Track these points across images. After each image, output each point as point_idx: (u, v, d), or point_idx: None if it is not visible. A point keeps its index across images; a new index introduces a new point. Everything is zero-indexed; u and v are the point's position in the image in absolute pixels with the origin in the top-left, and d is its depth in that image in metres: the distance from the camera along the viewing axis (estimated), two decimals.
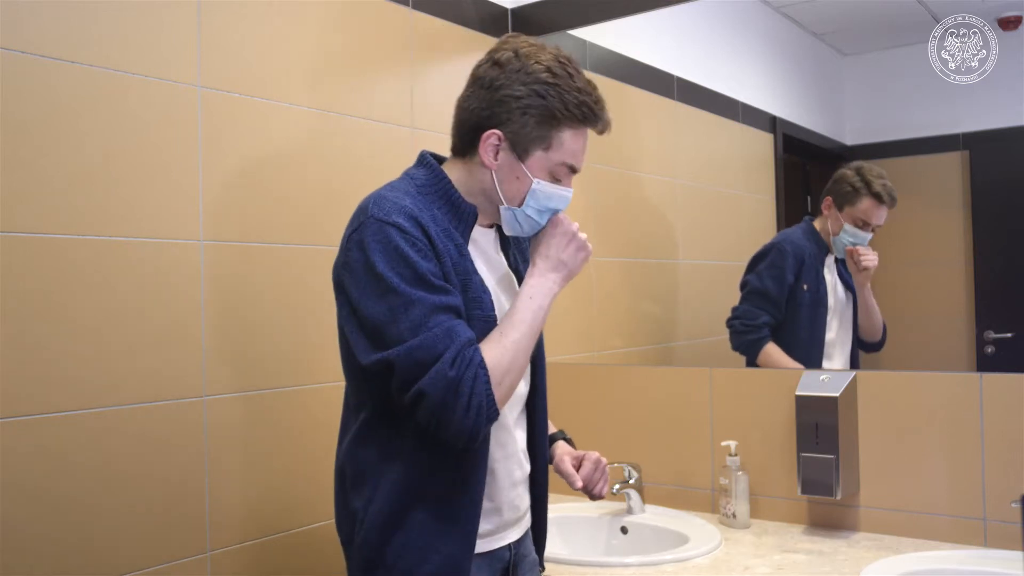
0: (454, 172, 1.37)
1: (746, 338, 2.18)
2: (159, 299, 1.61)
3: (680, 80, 2.45)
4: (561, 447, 1.56)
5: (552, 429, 1.59)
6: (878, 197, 2.06)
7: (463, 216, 1.35)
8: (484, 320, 1.29)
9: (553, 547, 1.58)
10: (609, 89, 2.50)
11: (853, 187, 2.09)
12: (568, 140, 1.33)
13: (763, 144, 2.33)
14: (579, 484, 1.44)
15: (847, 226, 2.10)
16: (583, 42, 2.48)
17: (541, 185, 1.33)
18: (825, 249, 2.16)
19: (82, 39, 1.50)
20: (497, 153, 1.33)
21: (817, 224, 2.18)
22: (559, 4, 2.41)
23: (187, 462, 1.64)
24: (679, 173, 2.58)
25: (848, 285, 2.16)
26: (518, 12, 2.47)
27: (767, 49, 2.39)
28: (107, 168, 1.54)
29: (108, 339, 1.53)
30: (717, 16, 2.40)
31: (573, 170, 1.36)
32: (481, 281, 1.32)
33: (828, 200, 2.14)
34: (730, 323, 2.23)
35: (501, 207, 1.35)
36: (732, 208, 2.45)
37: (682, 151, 2.56)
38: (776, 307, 2.15)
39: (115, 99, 1.55)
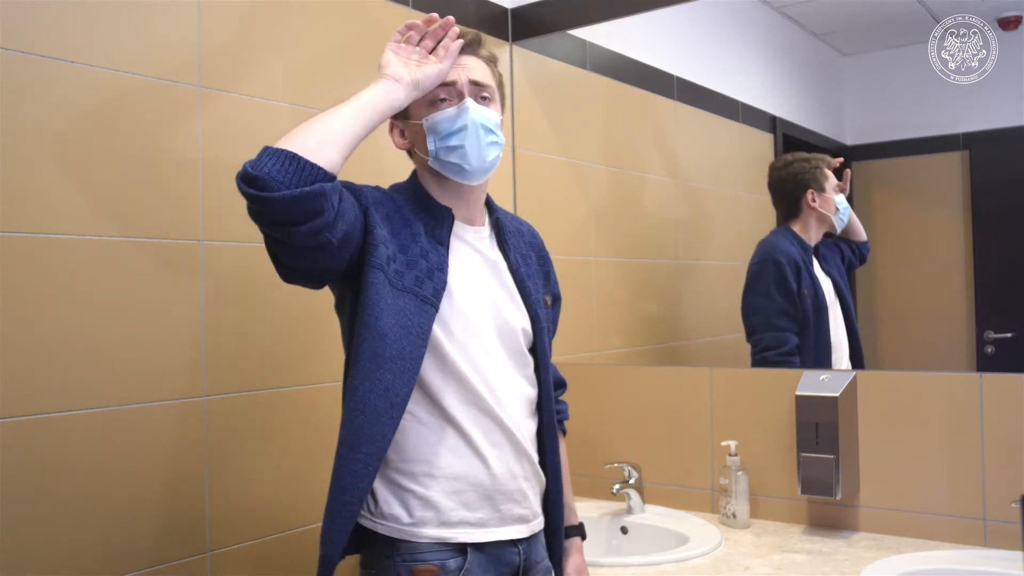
0: (422, 176, 1.45)
1: (782, 368, 2.15)
2: (159, 299, 1.61)
3: (680, 80, 2.45)
4: (576, 560, 1.56)
5: (573, 516, 1.58)
6: (831, 164, 2.16)
7: (439, 217, 1.40)
8: (421, 299, 1.31)
9: None
10: (609, 89, 2.52)
11: (813, 166, 2.16)
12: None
13: (763, 144, 2.33)
14: None
15: (836, 198, 2.14)
16: (583, 42, 2.48)
17: (429, 120, 1.38)
18: (810, 250, 2.16)
19: (82, 39, 1.50)
20: (402, 133, 1.44)
21: (795, 227, 2.18)
22: (559, 4, 2.41)
23: (187, 462, 1.64)
24: (679, 173, 2.58)
25: (835, 280, 2.16)
26: (518, 12, 2.47)
27: (767, 49, 2.39)
28: (107, 168, 1.54)
29: (108, 339, 1.53)
30: (717, 16, 2.40)
31: (449, 88, 1.38)
32: (432, 271, 1.33)
33: (810, 193, 2.15)
34: (763, 355, 2.17)
35: (430, 162, 1.39)
36: (732, 208, 2.45)
37: (682, 151, 2.56)
38: (795, 320, 2.13)
39: (115, 99, 1.55)
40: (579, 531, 1.58)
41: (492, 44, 2.42)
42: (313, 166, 1.18)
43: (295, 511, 1.82)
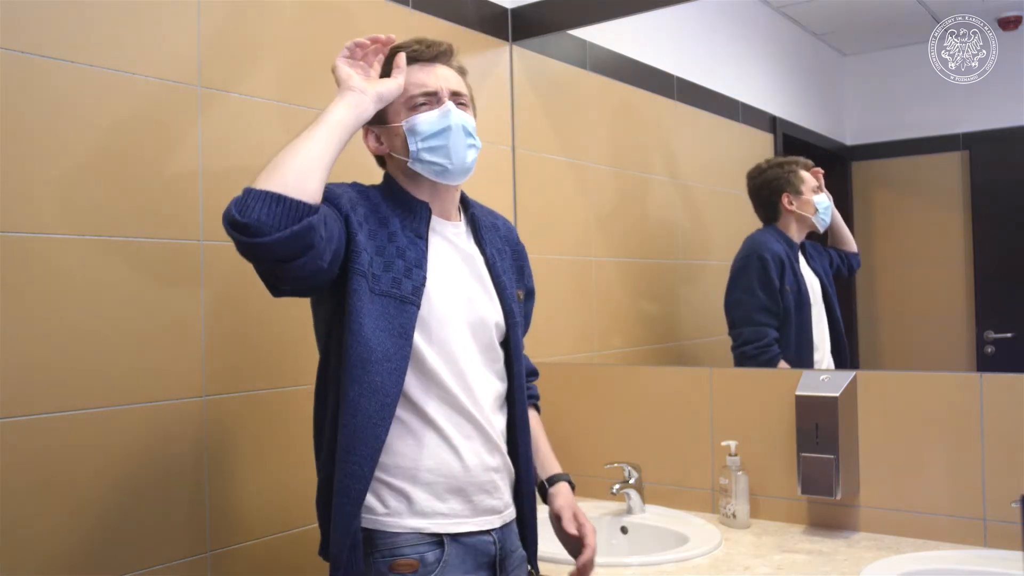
0: (397, 178, 1.47)
1: (760, 360, 2.15)
2: (159, 299, 1.61)
3: (680, 80, 2.45)
4: (564, 495, 1.53)
5: (556, 467, 1.58)
6: (806, 165, 2.17)
7: (416, 211, 1.42)
8: (400, 299, 1.33)
9: (552, 546, 1.58)
10: (609, 89, 2.52)
11: (788, 170, 2.18)
12: (407, 80, 1.42)
13: (763, 144, 2.33)
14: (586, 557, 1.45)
15: (815, 198, 2.15)
16: (583, 42, 2.48)
17: (410, 122, 1.41)
18: (795, 247, 2.17)
19: (82, 39, 1.50)
20: (378, 138, 1.46)
21: (780, 226, 2.19)
22: (559, 4, 2.41)
23: (187, 462, 1.64)
24: (679, 173, 2.58)
25: (820, 278, 2.16)
26: (518, 12, 2.47)
27: (767, 49, 2.39)
28: (107, 168, 1.54)
29: (108, 339, 1.53)
30: (717, 16, 2.40)
31: (429, 95, 1.42)
32: (410, 268, 1.35)
33: (785, 197, 2.17)
34: (741, 350, 2.18)
35: (410, 163, 1.42)
36: (732, 208, 2.45)
37: (682, 151, 2.56)
38: (775, 316, 2.14)
39: (115, 99, 1.55)
40: (565, 477, 1.57)
41: (492, 44, 2.42)
42: (298, 203, 1.20)
43: (295, 511, 1.82)
